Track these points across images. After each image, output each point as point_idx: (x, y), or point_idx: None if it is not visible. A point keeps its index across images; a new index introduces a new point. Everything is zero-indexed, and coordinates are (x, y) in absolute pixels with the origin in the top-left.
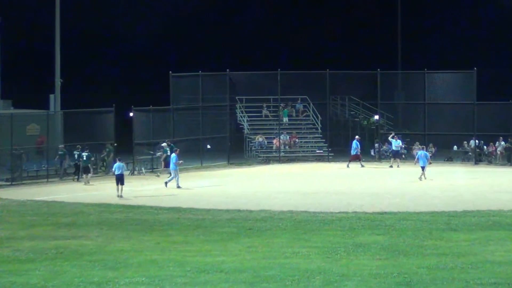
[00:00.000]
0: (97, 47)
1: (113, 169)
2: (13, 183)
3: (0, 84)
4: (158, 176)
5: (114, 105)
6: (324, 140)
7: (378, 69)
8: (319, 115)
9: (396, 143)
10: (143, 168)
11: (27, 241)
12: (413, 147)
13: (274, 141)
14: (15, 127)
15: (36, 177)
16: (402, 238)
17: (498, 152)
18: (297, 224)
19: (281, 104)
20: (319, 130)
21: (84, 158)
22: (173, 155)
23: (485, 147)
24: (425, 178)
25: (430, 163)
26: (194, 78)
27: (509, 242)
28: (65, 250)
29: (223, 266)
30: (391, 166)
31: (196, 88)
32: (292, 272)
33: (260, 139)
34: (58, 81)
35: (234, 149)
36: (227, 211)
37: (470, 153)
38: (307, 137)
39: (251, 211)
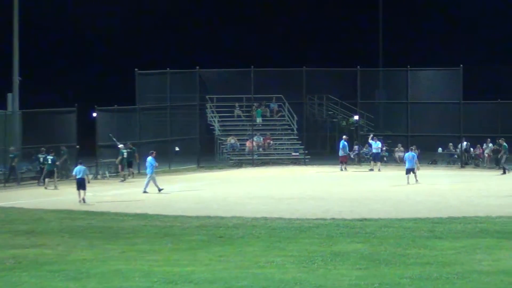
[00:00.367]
0: (59, 43)
1: (74, 173)
2: None
3: None
4: (122, 181)
5: (76, 104)
6: (300, 142)
7: (358, 66)
8: (295, 115)
9: (376, 145)
10: (107, 172)
11: None
12: (395, 149)
13: (247, 143)
14: None
15: None
16: (384, 246)
17: (486, 155)
18: (272, 231)
19: (255, 104)
20: (295, 131)
21: (49, 162)
22: (150, 158)
23: (471, 149)
24: (416, 181)
25: (418, 168)
26: (161, 75)
27: (497, 251)
28: (23, 260)
29: (192, 276)
30: (371, 170)
31: (163, 87)
32: (266, 282)
33: (232, 141)
34: (16, 79)
35: (204, 151)
36: (197, 217)
37: (456, 156)
38: (282, 139)
39: (222, 218)
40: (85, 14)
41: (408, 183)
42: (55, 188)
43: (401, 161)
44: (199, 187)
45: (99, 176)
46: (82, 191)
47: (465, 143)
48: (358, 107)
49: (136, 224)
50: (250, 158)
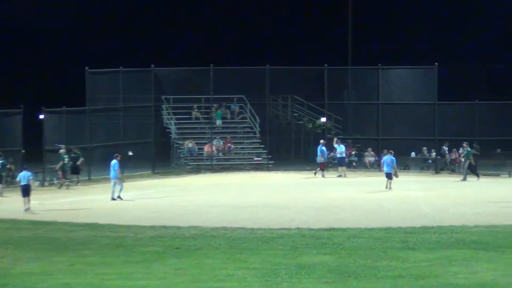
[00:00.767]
0: (4, 40)
1: (18, 179)
2: None
3: None
4: (60, 187)
5: (22, 106)
6: (263, 146)
7: (326, 65)
8: (257, 118)
9: (340, 149)
10: (54, 178)
11: None
12: (365, 153)
13: (206, 147)
14: None
15: None
16: (353, 258)
17: (462, 160)
18: (232, 242)
19: (214, 105)
20: (258, 135)
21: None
22: (114, 161)
23: (447, 153)
24: (390, 188)
25: (397, 176)
26: (114, 74)
27: (474, 263)
28: None
29: None
30: (339, 176)
31: (116, 87)
32: None
33: (190, 145)
34: None
35: (160, 156)
36: (152, 227)
37: (430, 161)
38: (243, 143)
39: (179, 228)
40: (31, 13)
41: (387, 188)
42: (0, 195)
43: (371, 166)
44: (154, 195)
45: (46, 183)
46: (27, 198)
47: (437, 147)
48: (325, 109)
49: (86, 235)
50: (209, 163)
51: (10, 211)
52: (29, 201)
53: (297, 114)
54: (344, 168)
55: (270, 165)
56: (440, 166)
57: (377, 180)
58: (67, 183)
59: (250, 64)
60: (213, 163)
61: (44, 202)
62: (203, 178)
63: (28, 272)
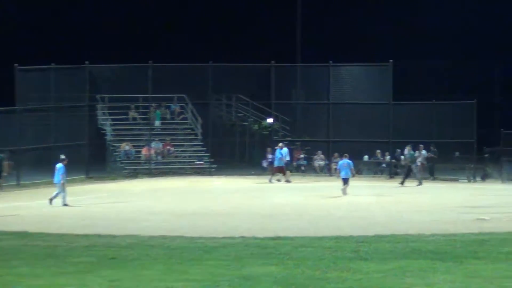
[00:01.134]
0: None
1: None
2: None
3: None
4: None
5: None
6: (205, 149)
7: (273, 61)
8: (199, 118)
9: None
10: None
11: None
12: (315, 157)
13: (144, 150)
14: None
15: None
16: (301, 269)
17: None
18: (171, 252)
19: (153, 104)
20: (199, 137)
21: None
22: (60, 165)
23: (402, 157)
24: (346, 194)
25: (354, 175)
26: (45, 72)
27: (430, 274)
28: None
29: None
30: (287, 181)
31: (47, 85)
32: None
33: (127, 148)
34: None
35: (94, 159)
36: (85, 236)
37: (384, 165)
38: (184, 145)
39: (114, 237)
40: None
41: (344, 193)
42: None
43: (321, 170)
44: (88, 201)
45: None
46: None
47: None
48: (272, 109)
49: (15, 244)
50: (147, 167)
51: None
52: None
53: (242, 115)
54: (288, 172)
55: (213, 170)
56: (394, 171)
57: (327, 185)
58: None
59: (191, 61)
60: (152, 167)
61: None
62: (140, 183)
63: None
